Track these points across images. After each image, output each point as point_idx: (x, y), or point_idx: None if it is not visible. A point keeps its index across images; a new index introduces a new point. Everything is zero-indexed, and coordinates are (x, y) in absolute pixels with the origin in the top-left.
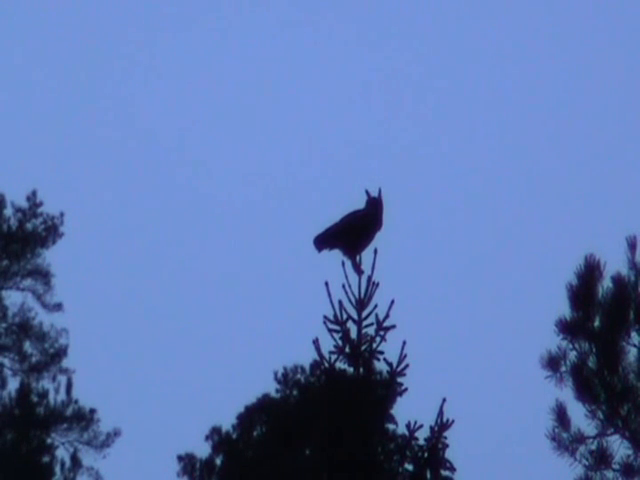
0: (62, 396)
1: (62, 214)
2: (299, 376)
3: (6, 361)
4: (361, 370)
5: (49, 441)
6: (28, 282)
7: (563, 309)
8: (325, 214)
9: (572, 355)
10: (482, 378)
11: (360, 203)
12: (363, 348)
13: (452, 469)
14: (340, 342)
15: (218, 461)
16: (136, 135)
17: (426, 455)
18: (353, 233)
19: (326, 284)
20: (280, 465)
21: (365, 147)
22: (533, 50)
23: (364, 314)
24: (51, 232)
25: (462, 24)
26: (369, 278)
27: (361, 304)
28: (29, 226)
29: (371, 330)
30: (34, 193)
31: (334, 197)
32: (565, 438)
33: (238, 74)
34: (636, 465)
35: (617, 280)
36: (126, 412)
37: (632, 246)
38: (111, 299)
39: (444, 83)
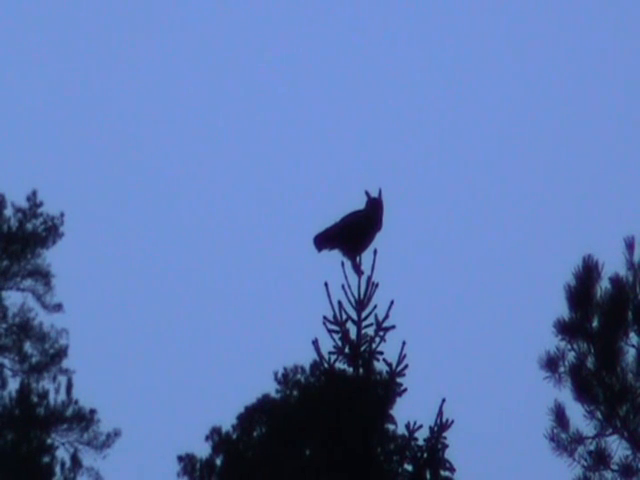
0: (62, 396)
1: (62, 214)
2: (299, 376)
3: (6, 361)
4: (361, 370)
5: (49, 441)
6: (28, 282)
7: (561, 310)
8: (325, 214)
9: (571, 356)
10: (481, 378)
11: (360, 204)
12: (363, 348)
13: (452, 469)
14: (340, 342)
15: (218, 461)
16: (136, 135)
17: (425, 455)
18: (353, 234)
19: (326, 285)
20: (280, 465)
21: (365, 147)
22: (533, 49)
23: (364, 315)
24: (51, 232)
25: (463, 23)
26: (369, 279)
27: (361, 305)
28: (29, 226)
29: (370, 330)
30: (34, 193)
31: (334, 197)
32: (564, 438)
33: (237, 74)
34: (635, 465)
35: (615, 281)
36: (126, 412)
37: (630, 247)
38: (111, 299)
39: (444, 83)
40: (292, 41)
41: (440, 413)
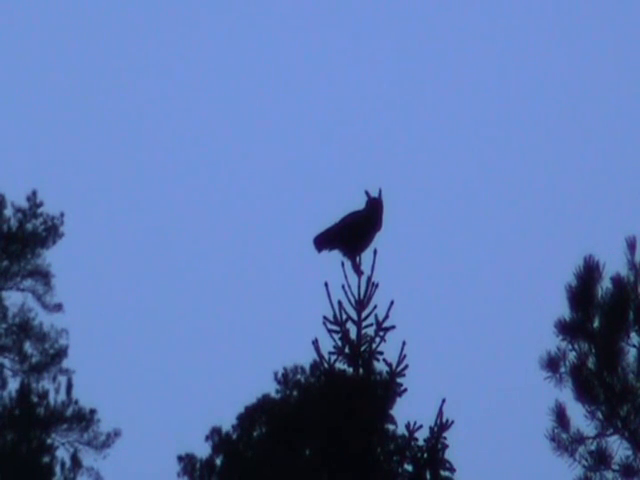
0: (62, 396)
1: (62, 214)
2: (299, 376)
3: (6, 361)
4: (361, 371)
5: (49, 441)
6: (28, 282)
7: (562, 310)
8: (325, 214)
9: (571, 356)
10: (482, 378)
11: (360, 204)
12: (363, 349)
13: (452, 469)
14: (340, 343)
15: (218, 461)
16: (136, 135)
17: (426, 455)
18: (353, 234)
19: (326, 285)
20: (280, 465)
21: (365, 147)
22: (534, 50)
23: (364, 315)
24: (51, 232)
25: (463, 24)
26: (369, 279)
27: (361, 305)
28: (29, 226)
29: (371, 331)
30: (34, 193)
31: (334, 197)
32: (565, 439)
33: (239, 73)
34: (635, 466)
35: (616, 281)
36: (126, 412)
37: (631, 247)
38: (111, 299)
39: (445, 83)
40: (292, 41)
41: (440, 413)
